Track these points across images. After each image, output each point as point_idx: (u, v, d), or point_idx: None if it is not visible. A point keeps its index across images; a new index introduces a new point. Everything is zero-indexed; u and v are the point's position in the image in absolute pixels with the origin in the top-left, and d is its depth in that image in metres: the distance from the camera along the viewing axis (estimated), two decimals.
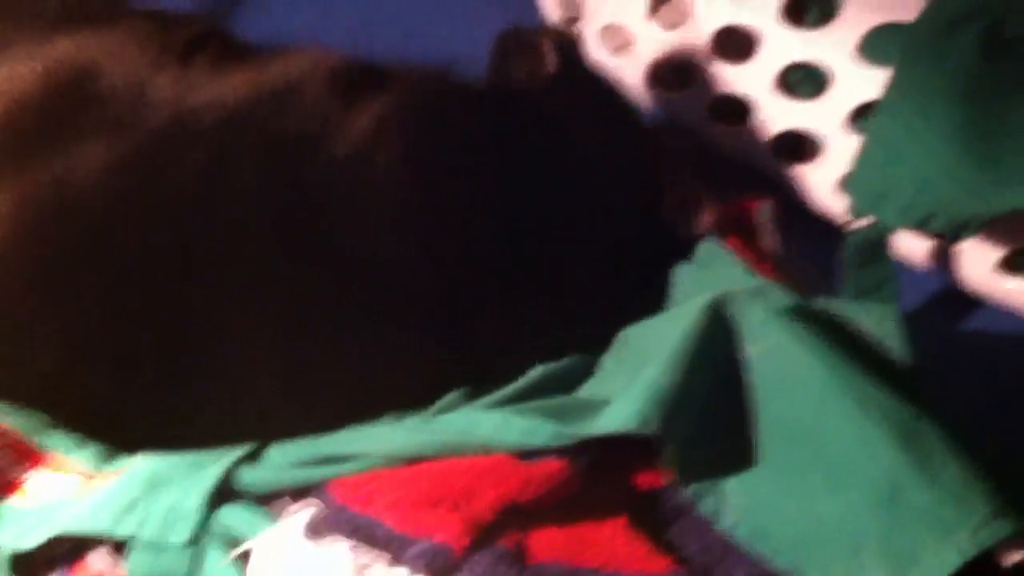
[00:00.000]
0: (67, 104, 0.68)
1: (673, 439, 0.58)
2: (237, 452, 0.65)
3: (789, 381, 0.63)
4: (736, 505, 0.59)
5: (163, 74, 0.71)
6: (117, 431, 0.68)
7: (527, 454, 0.60)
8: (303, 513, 0.60)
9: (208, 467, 0.64)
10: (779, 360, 0.64)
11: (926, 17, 0.71)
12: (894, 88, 0.73)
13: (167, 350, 0.67)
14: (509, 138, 0.78)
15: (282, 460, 0.65)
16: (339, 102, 0.72)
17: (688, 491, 0.59)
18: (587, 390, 0.71)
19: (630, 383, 0.62)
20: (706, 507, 0.59)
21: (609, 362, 0.73)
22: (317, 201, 0.68)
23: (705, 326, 0.65)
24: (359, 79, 0.76)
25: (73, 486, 0.66)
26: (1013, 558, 0.56)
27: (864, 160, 0.77)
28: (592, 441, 0.59)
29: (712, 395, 0.63)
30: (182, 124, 0.69)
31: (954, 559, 0.54)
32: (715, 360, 0.64)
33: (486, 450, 0.61)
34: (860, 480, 0.58)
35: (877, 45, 0.82)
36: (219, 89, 0.72)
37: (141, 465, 0.65)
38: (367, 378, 0.71)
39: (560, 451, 0.60)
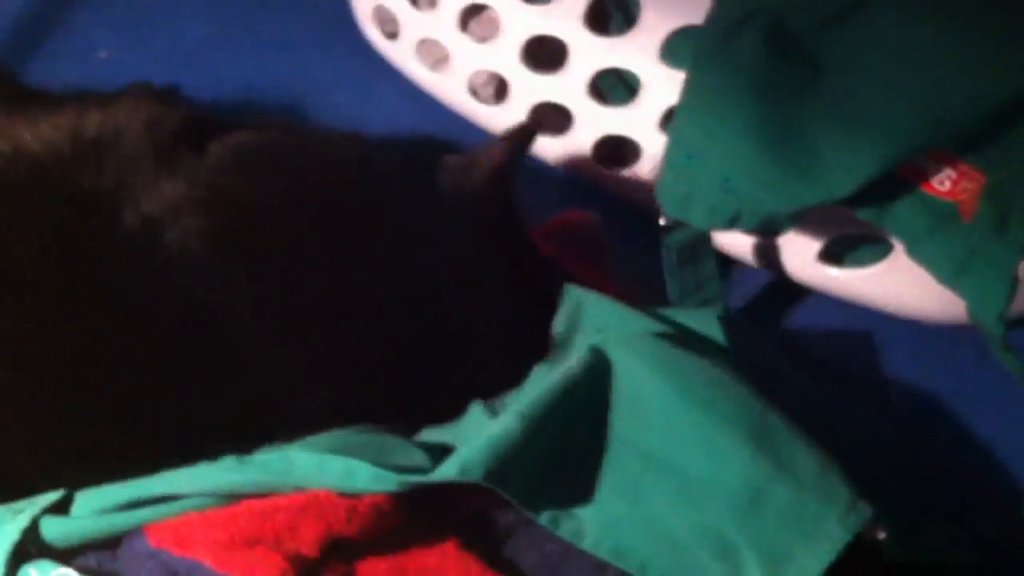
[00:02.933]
0: None
1: (507, 482, 0.58)
2: (40, 503, 0.62)
3: (635, 399, 0.64)
4: (594, 526, 0.60)
5: None
6: None
7: None
8: None
9: (8, 523, 0.61)
10: (624, 380, 0.65)
11: (713, 18, 0.73)
12: (688, 90, 0.74)
13: None
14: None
15: (90, 508, 0.62)
16: (151, 161, 0.67)
17: (542, 518, 0.59)
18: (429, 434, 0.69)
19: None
20: (565, 532, 0.59)
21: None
22: (108, 269, 0.64)
23: (578, 375, 0.65)
24: (180, 133, 0.70)
25: None
26: (879, 535, 0.58)
27: (668, 164, 0.78)
28: None
29: (571, 432, 0.63)
30: None
31: (828, 549, 0.56)
32: (580, 404, 0.64)
33: (302, 490, 0.60)
34: (719, 487, 0.59)
35: (676, 49, 0.84)
36: (21, 135, 0.67)
37: None
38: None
39: None
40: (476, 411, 0.68)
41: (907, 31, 0.72)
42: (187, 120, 0.73)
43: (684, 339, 0.71)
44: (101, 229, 0.64)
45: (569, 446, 0.62)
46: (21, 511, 0.62)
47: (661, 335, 0.69)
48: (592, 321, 0.73)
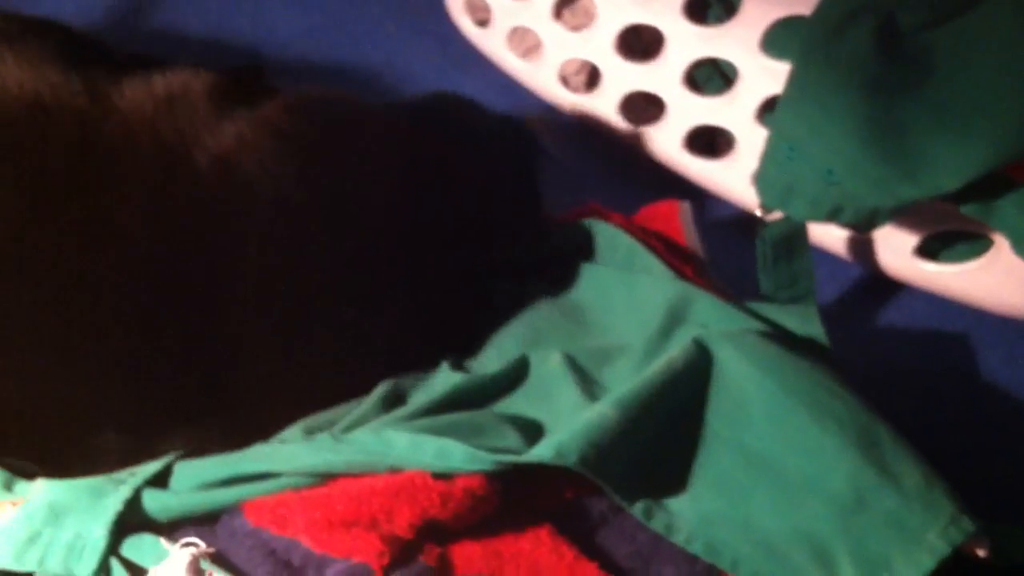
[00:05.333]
0: None
1: (601, 470, 0.58)
2: (141, 475, 0.63)
3: (737, 396, 0.63)
4: (688, 521, 0.59)
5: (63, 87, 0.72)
6: None
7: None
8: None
9: (110, 494, 0.62)
10: (727, 376, 0.64)
11: (822, 11, 0.72)
12: (793, 83, 0.73)
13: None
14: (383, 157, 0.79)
15: (189, 483, 0.63)
16: (213, 111, 0.75)
17: (636, 509, 0.59)
18: (522, 406, 0.70)
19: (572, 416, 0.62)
20: (658, 524, 0.59)
21: (555, 383, 0.72)
22: (187, 206, 0.71)
23: (680, 367, 0.65)
24: (235, 92, 0.78)
25: None
26: (980, 552, 0.57)
27: (769, 156, 0.77)
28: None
29: (669, 424, 0.63)
30: (87, 140, 0.71)
31: (928, 560, 0.55)
32: (680, 397, 0.64)
33: (397, 470, 0.60)
34: (820, 490, 0.59)
35: (778, 40, 0.83)
36: (118, 102, 0.74)
37: (41, 494, 0.63)
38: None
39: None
40: (569, 386, 0.68)
41: (1021, 31, 0.70)
42: (240, 83, 0.82)
43: (788, 340, 0.70)
44: (183, 173, 0.72)
45: (666, 438, 0.62)
46: (123, 482, 0.63)
47: (766, 334, 0.68)
48: (697, 316, 0.73)
